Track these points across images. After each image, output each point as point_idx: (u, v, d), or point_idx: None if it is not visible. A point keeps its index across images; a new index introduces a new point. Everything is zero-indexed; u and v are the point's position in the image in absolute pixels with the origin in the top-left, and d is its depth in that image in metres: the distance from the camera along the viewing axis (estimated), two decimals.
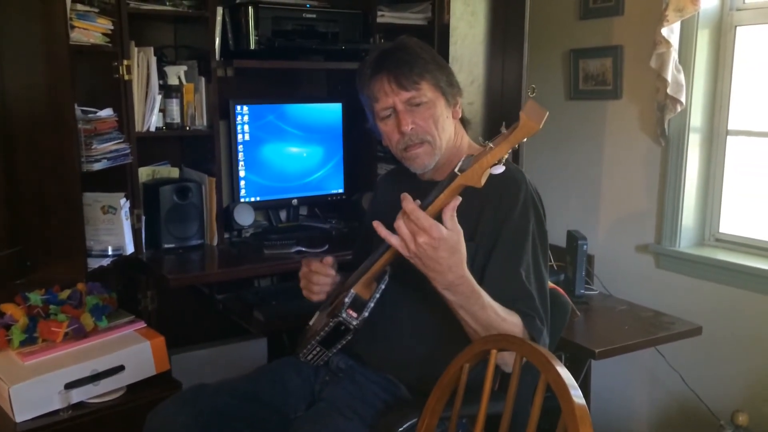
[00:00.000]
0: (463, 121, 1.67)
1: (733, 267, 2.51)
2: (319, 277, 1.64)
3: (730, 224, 2.66)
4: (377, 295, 1.45)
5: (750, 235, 2.58)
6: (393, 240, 1.30)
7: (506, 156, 1.19)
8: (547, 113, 1.16)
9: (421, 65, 1.53)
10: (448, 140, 1.59)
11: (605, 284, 2.76)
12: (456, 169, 1.23)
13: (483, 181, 1.22)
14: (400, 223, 1.28)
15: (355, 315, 1.43)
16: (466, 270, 1.33)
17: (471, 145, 1.67)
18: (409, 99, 1.53)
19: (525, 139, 1.18)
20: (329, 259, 1.66)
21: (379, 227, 1.31)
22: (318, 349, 1.55)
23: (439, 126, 1.55)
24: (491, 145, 1.19)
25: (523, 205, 1.50)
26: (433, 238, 1.26)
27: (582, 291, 2.55)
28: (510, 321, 1.41)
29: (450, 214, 1.27)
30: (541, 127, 1.15)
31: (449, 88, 1.58)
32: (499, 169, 1.21)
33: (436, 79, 1.55)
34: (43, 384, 1.81)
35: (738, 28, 2.55)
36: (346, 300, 1.43)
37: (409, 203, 1.26)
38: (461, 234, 1.29)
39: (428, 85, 1.54)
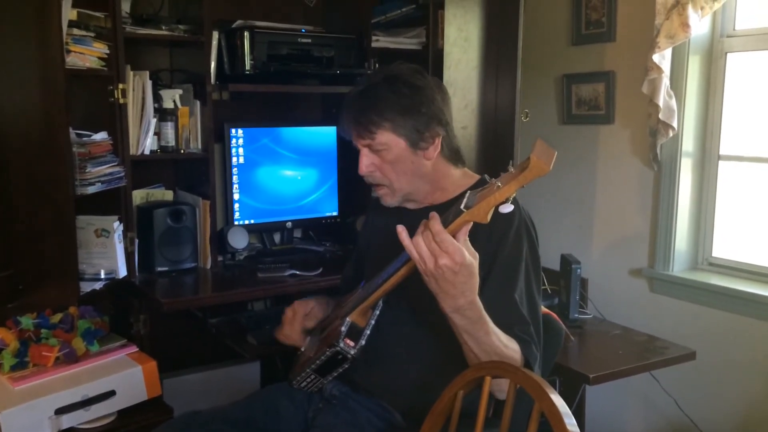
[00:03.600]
0: (452, 152, 1.64)
1: (726, 291, 2.51)
2: (287, 328, 1.73)
3: (723, 249, 2.67)
4: (372, 322, 1.44)
5: (743, 259, 2.59)
6: (413, 252, 1.26)
7: (514, 195, 1.17)
8: (556, 153, 1.15)
9: (379, 113, 1.53)
10: (415, 180, 1.59)
11: (599, 308, 2.76)
12: (462, 206, 1.22)
13: (489, 218, 1.20)
14: (419, 240, 1.25)
15: (352, 344, 1.42)
16: (476, 295, 1.32)
17: (466, 173, 1.66)
18: (368, 145, 1.57)
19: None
20: (299, 320, 1.72)
21: (402, 233, 1.27)
22: (313, 376, 1.54)
23: (397, 170, 1.57)
24: (499, 183, 1.17)
25: (516, 231, 1.51)
26: (456, 263, 1.24)
27: (576, 315, 2.56)
28: (511, 348, 1.41)
29: (464, 239, 1.26)
30: (551, 168, 1.12)
31: (415, 133, 1.55)
32: (508, 209, 1.18)
33: (396, 126, 1.54)
34: (33, 409, 1.79)
35: (728, 54, 2.58)
36: (343, 329, 1.42)
37: (436, 223, 1.23)
38: (477, 258, 1.29)
39: (386, 133, 1.54)
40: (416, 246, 1.25)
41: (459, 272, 1.25)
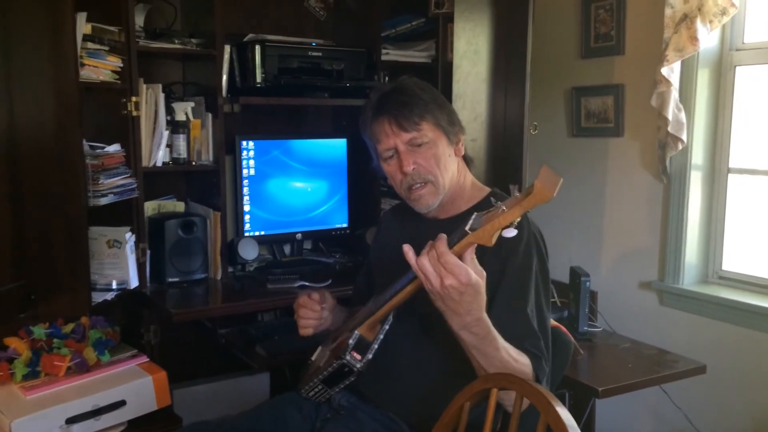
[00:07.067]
0: (466, 159, 1.69)
1: (736, 305, 2.50)
2: (305, 311, 1.67)
3: (733, 262, 2.66)
4: (381, 337, 1.45)
5: (753, 273, 2.58)
6: (419, 272, 1.27)
7: (518, 220, 1.18)
8: (561, 180, 1.16)
9: (421, 106, 1.56)
10: (452, 178, 1.61)
11: (609, 321, 2.75)
12: (467, 228, 1.23)
13: (493, 241, 1.21)
14: (424, 261, 1.26)
15: (359, 357, 1.43)
16: (483, 313, 1.32)
17: (474, 183, 1.69)
18: (410, 140, 1.55)
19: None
20: (316, 296, 1.68)
21: (408, 252, 1.28)
22: (320, 387, 1.55)
23: (441, 165, 1.57)
24: (504, 207, 1.18)
25: (526, 245, 1.51)
26: (462, 283, 1.24)
27: (585, 328, 2.55)
28: (521, 362, 1.41)
29: (471, 258, 1.27)
30: (555, 195, 1.14)
31: (450, 126, 1.60)
32: (511, 233, 1.19)
33: (437, 119, 1.57)
34: (44, 419, 1.80)
35: (738, 67, 2.58)
36: (350, 342, 1.43)
37: (441, 245, 1.25)
38: (484, 276, 1.29)
39: (429, 126, 1.56)
40: (421, 266, 1.26)
41: (465, 292, 1.26)
